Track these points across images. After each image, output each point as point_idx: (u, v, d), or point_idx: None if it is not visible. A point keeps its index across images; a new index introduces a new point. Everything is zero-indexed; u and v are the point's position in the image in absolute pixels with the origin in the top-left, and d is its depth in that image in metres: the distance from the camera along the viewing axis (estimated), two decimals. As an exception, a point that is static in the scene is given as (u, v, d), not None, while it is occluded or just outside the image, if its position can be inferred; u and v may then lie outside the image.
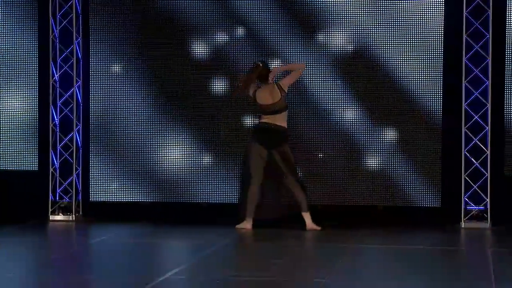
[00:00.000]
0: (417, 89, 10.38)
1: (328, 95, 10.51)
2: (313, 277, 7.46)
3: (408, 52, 10.37)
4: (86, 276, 7.61)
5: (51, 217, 10.66)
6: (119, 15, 10.75)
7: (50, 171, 10.73)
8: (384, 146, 10.47)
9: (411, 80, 10.39)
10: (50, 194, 10.74)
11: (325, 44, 10.48)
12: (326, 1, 10.45)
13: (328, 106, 10.52)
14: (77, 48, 10.79)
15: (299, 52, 10.50)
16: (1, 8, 10.87)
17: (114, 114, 10.82)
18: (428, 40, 10.32)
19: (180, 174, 10.78)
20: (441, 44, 10.30)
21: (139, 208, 10.84)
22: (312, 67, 10.49)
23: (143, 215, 10.71)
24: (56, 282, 7.27)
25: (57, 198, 10.77)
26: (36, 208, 10.76)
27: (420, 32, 10.33)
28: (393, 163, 10.45)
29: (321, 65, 10.51)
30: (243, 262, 8.34)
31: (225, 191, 10.66)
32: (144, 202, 10.83)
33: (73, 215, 10.67)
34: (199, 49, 10.66)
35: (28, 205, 10.80)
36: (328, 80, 10.52)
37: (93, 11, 10.78)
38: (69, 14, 10.71)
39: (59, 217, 10.69)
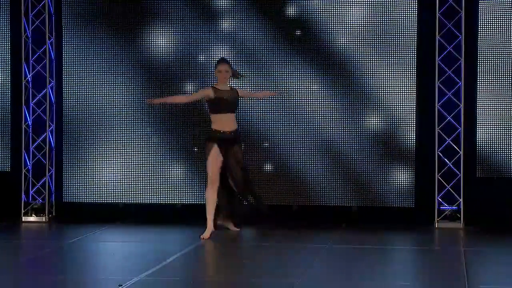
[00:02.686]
0: (391, 90, 10.41)
1: (305, 99, 10.53)
2: (289, 277, 7.46)
3: (382, 54, 10.40)
4: (58, 277, 7.59)
5: (24, 219, 10.60)
6: (92, 15, 10.71)
7: (23, 172, 10.66)
8: (357, 146, 10.49)
9: (385, 81, 10.41)
10: (23, 195, 10.68)
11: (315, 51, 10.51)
12: (310, 11, 10.48)
13: (303, 110, 10.54)
14: (50, 48, 10.73)
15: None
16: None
17: (87, 115, 10.76)
18: (401, 42, 10.35)
19: (154, 177, 10.75)
20: (414, 45, 10.34)
21: (112, 210, 10.79)
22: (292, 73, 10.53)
23: (116, 217, 10.66)
24: (28, 283, 7.23)
25: (30, 199, 10.70)
26: (8, 209, 10.70)
27: (394, 35, 10.36)
28: (367, 163, 10.47)
29: (301, 72, 10.55)
30: (215, 263, 8.34)
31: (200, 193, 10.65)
32: (117, 203, 10.78)
33: (46, 217, 10.61)
34: (174, 54, 10.64)
35: (0, 206, 10.73)
36: (307, 85, 10.55)
37: (67, 11, 10.73)
38: (41, 14, 10.66)
39: (32, 218, 10.62)
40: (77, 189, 10.77)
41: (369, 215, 10.54)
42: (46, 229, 10.34)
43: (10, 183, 10.72)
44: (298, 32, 10.46)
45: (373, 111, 10.46)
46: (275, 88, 10.45)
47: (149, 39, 10.67)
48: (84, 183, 10.76)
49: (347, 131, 10.49)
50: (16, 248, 9.36)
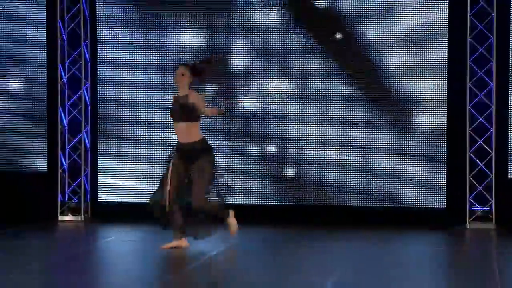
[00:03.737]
0: (423, 92, 10.49)
1: (337, 95, 10.64)
2: (321, 276, 7.58)
3: (414, 55, 10.48)
4: (93, 275, 7.75)
5: (60, 218, 10.81)
6: (126, 17, 10.88)
7: (59, 172, 10.87)
8: (389, 147, 10.58)
9: (417, 82, 10.49)
10: (59, 195, 10.89)
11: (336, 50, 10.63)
12: (337, 10, 10.60)
13: (335, 106, 10.65)
14: (85, 50, 10.92)
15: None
16: (11, 11, 10.97)
17: (121, 116, 10.94)
18: (433, 43, 10.42)
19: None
20: (446, 46, 10.40)
21: (146, 209, 10.94)
22: (320, 69, 10.63)
23: (150, 216, 10.81)
24: (64, 282, 7.40)
25: (66, 199, 10.91)
26: (45, 208, 10.91)
27: (425, 36, 10.43)
28: (399, 164, 10.55)
29: (328, 69, 10.65)
30: (244, 264, 8.46)
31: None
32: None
33: (82, 216, 10.82)
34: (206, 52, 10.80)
35: (38, 206, 10.95)
36: (337, 83, 10.65)
37: (101, 14, 10.90)
38: (77, 17, 10.85)
39: (68, 217, 10.83)
40: (112, 188, 10.96)
41: (401, 216, 10.61)
42: (82, 228, 10.54)
43: (47, 183, 10.95)
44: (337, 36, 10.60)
45: (405, 111, 10.54)
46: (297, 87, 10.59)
47: (181, 40, 10.81)
48: (119, 183, 10.94)
49: (380, 132, 10.59)
50: (52, 246, 9.56)
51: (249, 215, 9.91)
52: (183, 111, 8.45)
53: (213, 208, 8.68)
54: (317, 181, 10.64)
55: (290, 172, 10.72)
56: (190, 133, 8.50)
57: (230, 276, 7.72)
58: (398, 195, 10.56)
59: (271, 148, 10.73)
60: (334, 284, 7.17)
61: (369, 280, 7.46)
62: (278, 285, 7.26)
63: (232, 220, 8.89)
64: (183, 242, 8.67)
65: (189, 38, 10.79)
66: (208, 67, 8.65)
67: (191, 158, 8.52)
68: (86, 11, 10.88)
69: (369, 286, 7.24)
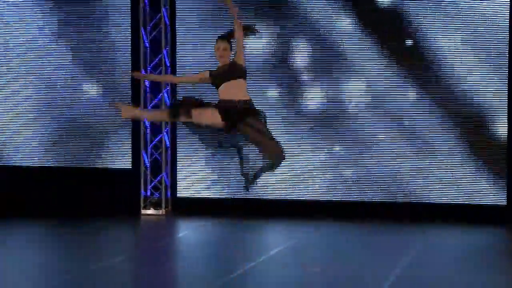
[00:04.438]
0: (482, 88, 10.90)
1: (399, 98, 11.18)
2: (381, 268, 8.19)
3: (474, 57, 10.94)
4: (173, 266, 8.43)
5: (143, 212, 11.57)
6: (205, 24, 11.59)
7: (142, 170, 11.68)
8: (450, 143, 11.03)
9: (476, 79, 10.89)
10: (142, 190, 11.72)
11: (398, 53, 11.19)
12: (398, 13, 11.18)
13: (399, 108, 11.17)
14: (165, 56, 11.72)
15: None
16: (97, 21, 11.80)
17: None
18: (493, 46, 10.86)
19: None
20: (507, 45, 10.80)
21: (223, 204, 11.54)
22: (383, 72, 11.25)
23: (227, 211, 11.42)
24: (146, 271, 8.06)
25: (148, 194, 11.74)
26: (129, 203, 11.64)
27: (486, 39, 10.92)
28: (460, 160, 11.00)
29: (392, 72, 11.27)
30: (322, 257, 9.10)
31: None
32: (228, 198, 11.56)
33: (163, 210, 11.60)
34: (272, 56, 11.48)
35: (123, 201, 11.68)
36: (400, 87, 11.22)
37: (180, 22, 11.68)
38: (158, 25, 11.65)
39: (150, 211, 11.62)
40: (190, 184, 11.70)
41: (461, 212, 11.05)
42: (163, 222, 11.21)
43: (131, 180, 11.66)
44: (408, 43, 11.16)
45: (466, 107, 10.96)
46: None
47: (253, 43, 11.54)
48: (196, 179, 11.67)
49: (440, 129, 11.06)
50: (136, 238, 10.33)
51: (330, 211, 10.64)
52: (234, 70, 7.80)
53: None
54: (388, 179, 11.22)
55: (358, 170, 11.37)
56: (243, 90, 7.80)
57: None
58: (460, 191, 10.95)
59: (342, 146, 11.39)
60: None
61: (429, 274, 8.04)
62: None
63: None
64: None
65: (259, 40, 11.46)
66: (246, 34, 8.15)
67: (241, 116, 7.77)
68: (166, 19, 11.69)
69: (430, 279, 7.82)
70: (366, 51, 11.19)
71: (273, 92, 11.49)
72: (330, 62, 11.28)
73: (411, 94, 11.13)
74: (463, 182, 11.02)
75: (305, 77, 11.37)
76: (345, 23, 11.24)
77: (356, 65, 11.22)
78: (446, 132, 11.07)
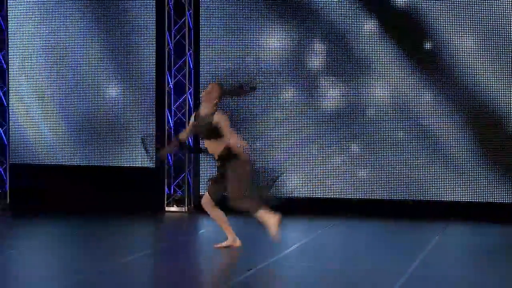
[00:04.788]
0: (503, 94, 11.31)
1: (418, 100, 11.52)
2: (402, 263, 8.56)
3: (495, 58, 11.27)
4: (194, 261, 8.72)
5: (167, 209, 11.94)
6: (227, 28, 11.95)
7: (166, 168, 12.05)
8: (466, 145, 11.43)
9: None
10: (166, 188, 12.10)
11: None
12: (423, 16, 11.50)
13: (420, 111, 11.51)
14: (189, 59, 12.12)
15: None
16: (124, 25, 12.20)
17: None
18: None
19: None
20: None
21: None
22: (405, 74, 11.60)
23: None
24: (169, 265, 8.35)
25: (172, 192, 12.14)
26: (153, 200, 12.04)
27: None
28: (474, 161, 11.36)
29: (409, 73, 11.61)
30: (333, 253, 9.49)
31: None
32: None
33: (186, 207, 12.00)
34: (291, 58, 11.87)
35: (147, 198, 12.09)
36: (419, 87, 11.53)
37: (204, 26, 12.07)
38: (182, 29, 12.03)
39: (173, 208, 11.99)
40: None
41: (477, 211, 11.39)
42: (186, 218, 11.53)
43: (155, 178, 12.05)
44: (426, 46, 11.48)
45: (499, 103, 11.26)
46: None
47: (275, 44, 11.88)
48: None
49: (456, 129, 11.40)
50: (160, 234, 10.69)
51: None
52: (209, 131, 8.53)
53: (251, 206, 8.66)
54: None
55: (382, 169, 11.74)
56: (218, 146, 8.59)
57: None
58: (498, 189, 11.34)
59: (362, 145, 11.77)
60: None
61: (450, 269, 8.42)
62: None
63: (271, 220, 8.63)
64: (237, 241, 8.91)
65: (279, 43, 11.81)
66: (239, 94, 8.79)
67: (224, 166, 8.63)
68: (190, 23, 12.08)
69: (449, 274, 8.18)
70: (383, 52, 11.56)
71: (293, 91, 11.88)
72: (348, 63, 11.63)
73: (430, 96, 11.46)
74: (477, 182, 11.36)
75: (323, 77, 11.74)
76: (362, 23, 11.60)
77: (373, 66, 11.60)
78: (462, 132, 11.40)
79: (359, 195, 11.71)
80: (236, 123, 11.91)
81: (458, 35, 11.35)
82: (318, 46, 11.74)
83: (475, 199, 11.39)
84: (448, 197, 11.46)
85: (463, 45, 11.34)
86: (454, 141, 11.44)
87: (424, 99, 11.49)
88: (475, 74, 11.33)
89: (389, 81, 11.58)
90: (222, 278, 8.02)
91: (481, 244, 9.83)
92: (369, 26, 11.59)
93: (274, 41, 11.88)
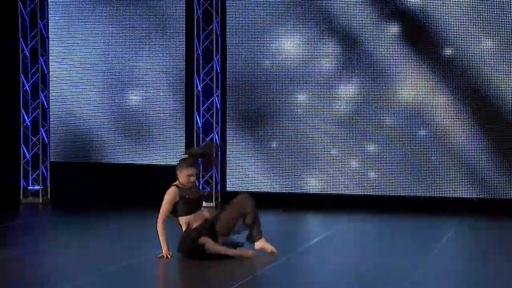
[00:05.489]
0: None
1: (437, 103, 12.20)
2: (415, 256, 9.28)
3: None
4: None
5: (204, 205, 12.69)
6: (253, 35, 12.67)
7: (194, 166, 12.86)
8: (479, 143, 12.11)
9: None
10: (195, 184, 12.89)
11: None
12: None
13: (440, 113, 12.18)
14: (216, 63, 12.90)
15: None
16: (155, 31, 12.95)
17: (248, 118, 12.72)
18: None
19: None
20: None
21: (268, 197, 12.55)
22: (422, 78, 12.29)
23: (272, 203, 12.40)
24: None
25: (200, 188, 12.93)
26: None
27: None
28: (488, 159, 12.03)
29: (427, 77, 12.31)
30: (352, 246, 10.17)
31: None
32: (272, 192, 12.66)
33: (213, 202, 12.72)
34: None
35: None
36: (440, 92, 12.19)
37: (230, 33, 12.81)
38: (210, 36, 12.79)
39: (202, 204, 12.75)
40: (238, 179, 12.78)
41: (488, 206, 12.06)
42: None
43: None
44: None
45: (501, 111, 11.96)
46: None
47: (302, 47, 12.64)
48: (243, 174, 12.75)
49: (471, 131, 12.09)
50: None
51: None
52: (200, 203, 8.82)
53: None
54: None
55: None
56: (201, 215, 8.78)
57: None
58: None
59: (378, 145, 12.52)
60: None
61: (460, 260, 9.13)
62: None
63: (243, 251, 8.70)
64: (247, 251, 8.77)
65: (299, 48, 12.54)
66: (209, 156, 9.02)
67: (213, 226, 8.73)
68: (218, 31, 12.86)
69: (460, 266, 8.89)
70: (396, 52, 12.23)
71: (314, 93, 12.60)
72: (363, 63, 12.32)
73: (447, 100, 12.13)
74: (489, 178, 12.03)
75: (344, 79, 12.44)
76: (380, 26, 12.30)
77: (387, 67, 12.30)
78: (475, 131, 12.07)
79: (375, 192, 12.41)
80: (261, 123, 12.69)
81: (475, 39, 11.96)
82: (336, 48, 12.39)
83: (491, 196, 12.03)
84: (463, 193, 12.10)
85: (481, 47, 11.94)
86: (468, 140, 12.08)
87: (439, 101, 12.14)
88: (493, 77, 11.94)
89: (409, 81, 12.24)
90: (246, 268, 8.48)
91: (496, 239, 10.29)
92: (388, 29, 12.25)
93: (293, 46, 12.60)
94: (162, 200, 8.77)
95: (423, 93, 12.23)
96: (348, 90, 12.46)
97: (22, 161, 13.14)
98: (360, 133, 12.44)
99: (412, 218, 11.74)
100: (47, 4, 13.06)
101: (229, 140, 12.85)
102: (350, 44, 12.40)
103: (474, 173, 12.13)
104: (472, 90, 12.04)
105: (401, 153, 12.33)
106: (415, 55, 12.19)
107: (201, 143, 12.79)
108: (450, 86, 12.13)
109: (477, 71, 12.02)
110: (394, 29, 12.25)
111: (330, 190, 12.56)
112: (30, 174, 13.14)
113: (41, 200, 13.05)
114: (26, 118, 13.13)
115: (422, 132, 12.25)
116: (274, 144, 12.74)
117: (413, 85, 12.28)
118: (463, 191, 12.16)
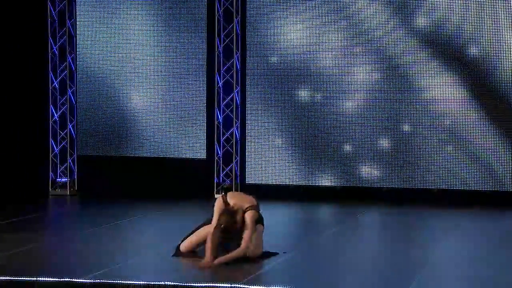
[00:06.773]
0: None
1: (453, 99, 12.60)
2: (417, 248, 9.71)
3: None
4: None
5: (216, 196, 12.93)
6: (272, 33, 13.10)
7: (215, 159, 13.19)
8: (493, 137, 12.50)
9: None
10: (215, 177, 13.29)
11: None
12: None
13: (456, 109, 12.57)
14: (236, 61, 13.34)
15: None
16: (177, 29, 13.36)
17: (268, 114, 13.08)
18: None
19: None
20: None
21: (282, 190, 13.00)
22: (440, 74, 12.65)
23: (287, 195, 12.85)
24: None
25: (221, 181, 13.31)
26: (203, 188, 13.12)
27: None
28: (502, 152, 12.43)
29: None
30: (367, 237, 10.57)
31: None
32: (289, 185, 13.05)
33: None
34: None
35: (198, 186, 13.18)
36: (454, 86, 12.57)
37: (250, 31, 13.21)
38: (230, 34, 13.21)
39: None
40: (256, 172, 13.18)
41: (500, 199, 12.46)
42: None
43: (206, 168, 13.16)
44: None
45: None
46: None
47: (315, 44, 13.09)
48: (262, 168, 13.15)
49: (485, 129, 12.49)
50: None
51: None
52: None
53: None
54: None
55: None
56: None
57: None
58: None
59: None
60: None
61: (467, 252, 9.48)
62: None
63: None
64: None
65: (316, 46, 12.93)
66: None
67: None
68: (238, 29, 13.30)
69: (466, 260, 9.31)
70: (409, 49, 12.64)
71: (332, 90, 12.99)
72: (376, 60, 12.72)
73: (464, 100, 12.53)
74: (502, 171, 12.43)
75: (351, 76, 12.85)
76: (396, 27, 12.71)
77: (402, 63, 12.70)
78: (489, 127, 12.45)
79: (388, 184, 12.81)
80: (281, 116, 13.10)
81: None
82: (356, 44, 12.76)
83: (500, 188, 12.41)
84: (474, 186, 12.47)
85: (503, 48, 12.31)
86: (483, 136, 12.46)
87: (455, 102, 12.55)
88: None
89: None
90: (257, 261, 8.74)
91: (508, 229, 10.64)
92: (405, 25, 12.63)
93: (311, 43, 13.00)
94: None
95: (440, 88, 12.57)
96: (367, 84, 12.78)
97: (51, 155, 13.61)
98: (375, 128, 12.77)
99: (426, 211, 12.05)
100: (75, 4, 13.53)
101: (248, 134, 13.23)
102: (368, 40, 12.70)
103: (484, 166, 12.49)
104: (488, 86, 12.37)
105: (416, 147, 12.69)
106: (431, 50, 12.50)
107: (221, 137, 13.14)
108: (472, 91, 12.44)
109: (491, 67, 12.33)
110: (412, 23, 12.57)
111: (349, 183, 12.88)
112: (58, 167, 13.62)
113: (68, 192, 13.54)
114: (55, 114, 13.60)
115: (437, 126, 12.57)
116: (292, 138, 13.10)
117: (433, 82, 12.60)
118: (475, 184, 12.53)
